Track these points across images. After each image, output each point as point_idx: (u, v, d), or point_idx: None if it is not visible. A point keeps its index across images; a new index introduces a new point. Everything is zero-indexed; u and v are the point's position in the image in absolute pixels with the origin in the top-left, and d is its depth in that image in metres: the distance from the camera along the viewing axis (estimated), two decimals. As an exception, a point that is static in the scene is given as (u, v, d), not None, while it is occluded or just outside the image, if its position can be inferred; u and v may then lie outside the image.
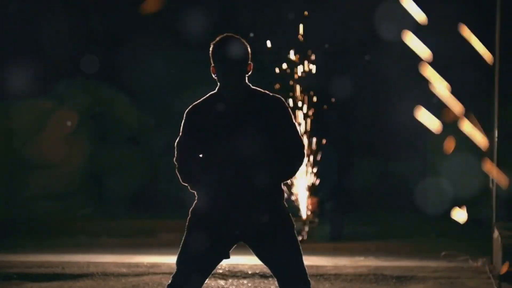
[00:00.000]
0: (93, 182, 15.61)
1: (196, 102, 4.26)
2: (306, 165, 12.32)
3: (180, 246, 4.22)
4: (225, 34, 4.23)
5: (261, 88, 4.29)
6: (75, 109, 15.49)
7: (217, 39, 4.21)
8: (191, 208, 4.24)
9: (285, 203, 4.25)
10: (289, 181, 5.62)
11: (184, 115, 4.24)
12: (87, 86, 15.94)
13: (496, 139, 8.70)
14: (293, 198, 12.36)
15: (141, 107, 16.21)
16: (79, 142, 15.47)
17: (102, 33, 16.84)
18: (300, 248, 4.22)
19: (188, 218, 4.24)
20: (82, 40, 16.33)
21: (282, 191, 4.25)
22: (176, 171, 4.24)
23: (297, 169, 4.25)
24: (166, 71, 15.96)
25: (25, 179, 15.06)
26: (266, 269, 7.33)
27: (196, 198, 4.24)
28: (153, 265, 8.52)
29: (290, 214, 4.27)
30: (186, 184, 4.23)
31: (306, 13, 12.64)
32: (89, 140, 15.63)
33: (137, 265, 8.58)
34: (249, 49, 4.23)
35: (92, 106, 15.83)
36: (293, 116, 4.27)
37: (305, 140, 12.23)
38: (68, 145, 15.33)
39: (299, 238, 4.55)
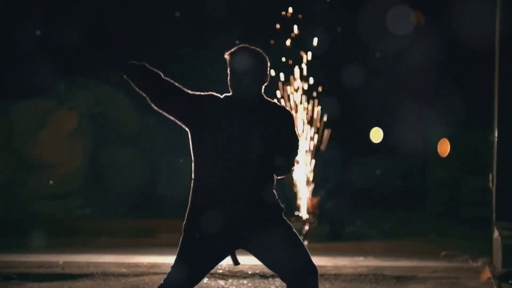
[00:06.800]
0: (93, 182, 15.61)
1: (216, 94, 4.18)
2: (307, 164, 12.31)
3: (177, 250, 4.22)
4: (241, 45, 4.13)
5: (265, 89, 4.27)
6: (75, 109, 15.49)
7: (234, 49, 4.11)
8: (187, 212, 4.19)
9: (279, 201, 4.21)
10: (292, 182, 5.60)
11: (205, 92, 4.17)
12: (87, 86, 15.93)
13: (496, 139, 8.69)
14: (293, 198, 12.34)
15: (141, 107, 16.19)
16: (79, 142, 15.47)
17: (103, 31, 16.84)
18: (300, 240, 4.20)
19: (184, 223, 4.20)
20: (82, 40, 16.32)
21: (274, 194, 4.19)
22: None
23: (289, 170, 4.20)
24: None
25: (25, 179, 15.06)
26: (266, 269, 7.33)
27: (189, 200, 4.17)
28: (153, 265, 8.51)
29: (285, 218, 4.23)
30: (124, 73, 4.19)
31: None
32: (89, 140, 15.62)
33: (137, 265, 8.57)
34: (267, 61, 4.13)
35: (92, 106, 15.82)
36: (297, 129, 4.25)
37: (307, 139, 12.22)
38: (68, 145, 15.33)
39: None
